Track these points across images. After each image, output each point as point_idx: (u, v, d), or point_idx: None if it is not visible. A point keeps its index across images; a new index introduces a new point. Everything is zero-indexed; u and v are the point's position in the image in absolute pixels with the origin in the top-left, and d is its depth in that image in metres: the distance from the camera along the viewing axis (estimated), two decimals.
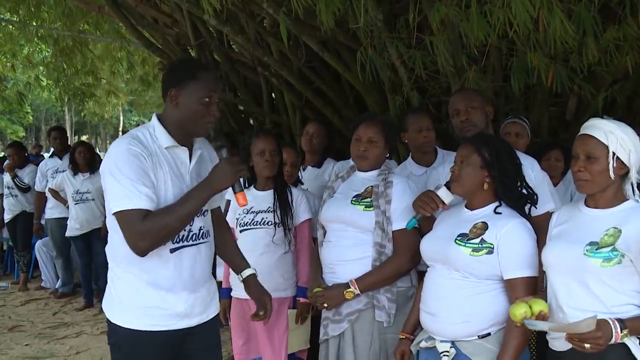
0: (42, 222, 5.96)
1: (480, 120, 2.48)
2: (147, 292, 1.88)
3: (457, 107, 2.50)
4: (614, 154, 1.75)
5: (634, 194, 1.80)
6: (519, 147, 3.01)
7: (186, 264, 1.93)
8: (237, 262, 2.23)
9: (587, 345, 1.62)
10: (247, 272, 2.17)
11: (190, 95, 1.87)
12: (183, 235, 1.91)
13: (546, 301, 1.80)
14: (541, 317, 1.73)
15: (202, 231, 1.98)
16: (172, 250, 1.89)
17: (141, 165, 1.82)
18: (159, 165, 1.86)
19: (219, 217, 2.23)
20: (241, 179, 1.94)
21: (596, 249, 1.73)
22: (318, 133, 3.71)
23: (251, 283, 2.17)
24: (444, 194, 2.10)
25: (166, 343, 1.92)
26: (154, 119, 1.95)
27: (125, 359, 1.94)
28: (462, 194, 2.07)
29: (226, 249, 2.25)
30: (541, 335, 1.90)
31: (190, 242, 1.94)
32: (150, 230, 1.79)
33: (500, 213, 2.01)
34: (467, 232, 2.00)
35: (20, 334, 4.77)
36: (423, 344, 2.07)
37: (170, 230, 1.84)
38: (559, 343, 1.80)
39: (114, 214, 1.82)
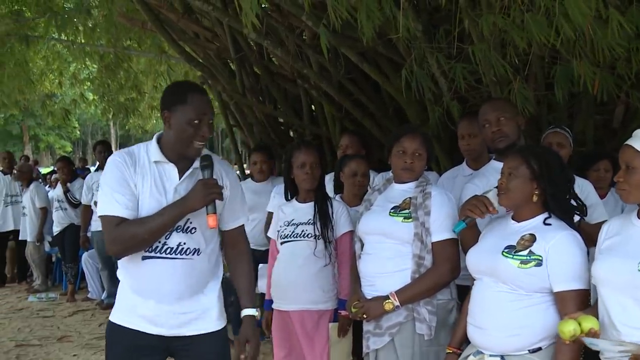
0: (89, 234, 6.12)
1: (513, 131, 2.45)
2: (124, 291, 2.08)
3: (488, 117, 2.48)
4: None
5: None
6: (563, 157, 2.96)
7: (155, 275, 2.01)
8: (242, 295, 2.18)
9: None
10: (247, 312, 2.14)
11: (180, 118, 1.96)
12: (156, 247, 1.99)
13: (597, 317, 1.76)
14: (591, 334, 1.68)
15: (181, 247, 2.01)
16: (144, 258, 2.00)
17: (121, 175, 1.97)
18: (142, 177, 1.98)
19: (234, 239, 2.23)
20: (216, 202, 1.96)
21: None
22: (352, 145, 3.72)
23: (246, 324, 2.13)
24: (494, 198, 2.06)
25: (140, 344, 2.03)
26: (155, 136, 2.08)
27: (106, 348, 2.13)
28: (510, 206, 2.04)
29: (235, 275, 2.22)
30: (591, 351, 1.85)
31: (163, 255, 2.00)
32: (120, 237, 1.95)
33: (549, 224, 1.98)
34: (515, 244, 1.97)
35: (68, 344, 4.90)
36: (471, 359, 2.05)
37: (139, 241, 1.96)
38: (611, 358, 1.74)
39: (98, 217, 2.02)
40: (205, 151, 2.07)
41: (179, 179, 2.01)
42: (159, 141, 2.05)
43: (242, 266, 2.22)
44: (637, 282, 1.68)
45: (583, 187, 2.59)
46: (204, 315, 2.08)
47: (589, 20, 2.46)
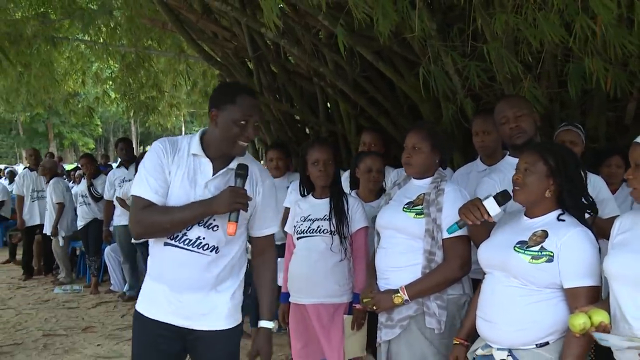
0: (111, 228, 6.20)
1: (530, 127, 2.44)
2: (147, 278, 2.15)
3: (506, 114, 2.47)
4: None
5: None
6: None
7: (171, 262, 2.05)
8: (262, 306, 2.19)
9: None
10: (263, 324, 2.15)
11: (227, 117, 2.00)
12: (177, 236, 2.03)
13: (608, 311, 1.75)
14: (602, 328, 1.68)
15: (199, 241, 2.03)
16: (165, 244, 2.04)
17: (158, 161, 2.03)
18: (177, 166, 2.02)
19: (262, 247, 2.23)
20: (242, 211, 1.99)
21: None
22: (375, 142, 3.72)
23: (260, 335, 2.15)
24: (490, 206, 2.05)
25: (159, 333, 2.07)
26: (200, 131, 2.13)
27: (132, 334, 2.20)
28: (525, 202, 2.03)
29: (258, 284, 2.24)
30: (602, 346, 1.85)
31: (182, 245, 2.03)
32: (144, 220, 2.01)
33: (563, 220, 1.97)
34: (527, 239, 1.97)
35: (92, 334, 4.98)
36: (479, 352, 2.06)
37: (160, 229, 2.02)
38: (625, 356, 1.74)
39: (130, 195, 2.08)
40: (247, 159, 2.10)
41: (212, 175, 2.04)
42: (202, 136, 2.09)
43: (266, 276, 2.22)
44: None
45: (595, 183, 2.59)
46: (212, 312, 2.08)
47: (612, 17, 2.45)
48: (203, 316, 2.07)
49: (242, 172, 2.00)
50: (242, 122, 1.99)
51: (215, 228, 2.05)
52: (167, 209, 2.01)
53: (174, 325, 2.07)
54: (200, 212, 1.99)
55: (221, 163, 2.06)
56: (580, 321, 1.67)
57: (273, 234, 2.23)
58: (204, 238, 2.04)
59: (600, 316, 1.68)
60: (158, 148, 2.05)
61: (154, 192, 2.00)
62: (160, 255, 2.08)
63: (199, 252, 2.04)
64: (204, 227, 2.04)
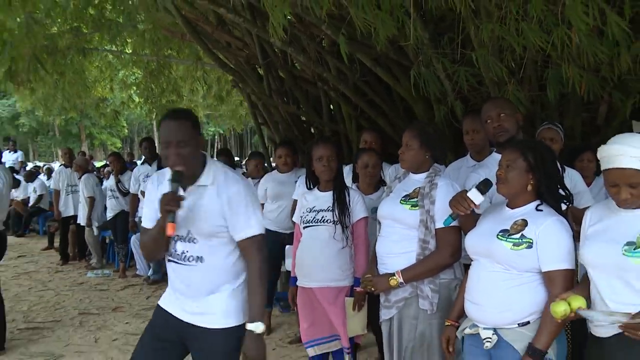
0: (136, 219, 6.21)
1: (512, 126, 2.44)
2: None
3: (490, 114, 2.47)
4: None
5: None
6: (555, 150, 2.94)
7: (172, 273, 2.13)
8: (250, 308, 2.03)
9: None
10: (249, 327, 1.98)
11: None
12: (170, 252, 2.09)
13: (584, 295, 1.75)
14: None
15: (184, 254, 2.04)
16: (168, 260, 2.12)
17: (149, 193, 2.13)
18: (160, 192, 1.96)
19: (244, 250, 2.06)
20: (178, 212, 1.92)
21: (634, 249, 1.67)
22: (374, 140, 3.72)
23: (247, 337, 1.98)
24: (474, 196, 2.06)
25: (158, 318, 2.15)
26: None
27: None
28: (507, 194, 2.03)
29: (247, 287, 2.07)
30: (577, 321, 1.86)
31: (174, 259, 2.09)
32: (141, 244, 2.18)
33: (541, 210, 1.97)
34: (508, 228, 1.97)
35: (121, 313, 5.00)
36: (467, 331, 2.06)
37: (146, 247, 2.14)
38: (601, 330, 1.75)
39: None
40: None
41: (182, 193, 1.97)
42: None
43: (251, 279, 2.05)
44: (622, 264, 1.68)
45: (572, 177, 2.61)
46: (209, 312, 2.05)
47: (586, 26, 2.45)
48: (200, 315, 2.05)
49: (174, 177, 1.94)
50: (164, 148, 1.96)
51: (195, 241, 2.04)
52: (145, 230, 2.11)
53: (174, 316, 2.10)
54: (158, 224, 1.98)
55: (190, 182, 2.02)
56: (561, 308, 1.69)
57: (253, 237, 2.04)
58: (187, 251, 2.05)
59: (578, 302, 1.70)
60: (150, 182, 2.16)
61: (148, 219, 2.10)
62: (167, 268, 2.16)
63: (185, 264, 2.06)
64: (186, 242, 2.05)
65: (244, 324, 2.02)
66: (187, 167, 1.96)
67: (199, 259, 2.04)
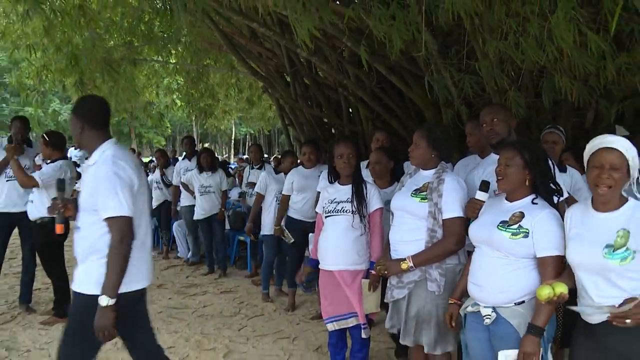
0: (178, 208, 6.30)
1: (503, 130, 2.45)
2: None
3: (485, 119, 2.49)
4: (627, 166, 1.69)
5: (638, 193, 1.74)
6: (556, 152, 2.96)
7: None
8: (104, 280, 1.98)
9: (628, 321, 1.59)
10: (99, 298, 1.94)
11: None
12: None
13: (567, 282, 1.77)
14: (562, 297, 1.73)
15: (76, 224, 2.13)
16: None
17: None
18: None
19: (108, 228, 1.99)
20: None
21: (613, 251, 1.67)
22: (386, 140, 3.73)
23: (97, 309, 1.94)
24: (480, 196, 2.18)
25: None
26: None
27: None
28: (507, 189, 2.04)
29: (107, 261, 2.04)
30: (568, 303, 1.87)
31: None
32: None
33: (536, 204, 1.98)
34: (507, 219, 1.98)
35: (164, 290, 5.10)
36: (469, 309, 2.08)
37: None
38: (591, 317, 1.75)
39: None
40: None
41: None
42: None
43: (109, 257, 1.96)
44: (603, 266, 1.68)
45: (573, 175, 2.68)
46: (76, 277, 2.07)
47: (569, 43, 2.47)
48: (74, 278, 2.09)
49: (58, 186, 2.27)
50: None
51: (80, 212, 2.10)
52: None
53: None
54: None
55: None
56: (545, 292, 1.73)
57: (111, 219, 1.96)
58: (77, 221, 2.11)
59: (560, 288, 1.73)
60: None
61: None
62: None
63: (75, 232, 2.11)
64: (79, 212, 2.12)
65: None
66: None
67: (78, 228, 2.08)
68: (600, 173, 1.71)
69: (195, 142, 7.06)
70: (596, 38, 2.50)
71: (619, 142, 1.72)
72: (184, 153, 6.59)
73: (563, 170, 2.78)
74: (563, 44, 2.45)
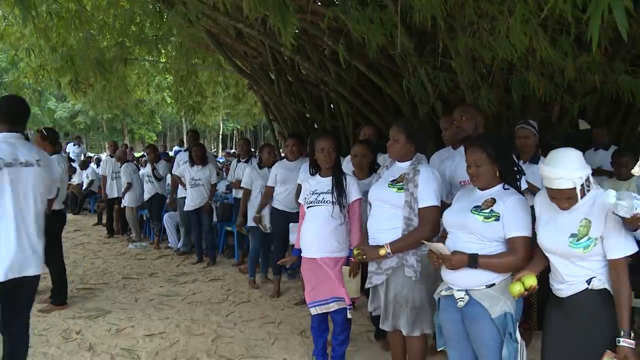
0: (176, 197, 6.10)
1: (469, 127, 2.63)
2: None
3: (455, 117, 2.68)
4: (581, 185, 1.69)
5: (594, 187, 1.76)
6: (529, 146, 3.02)
7: None
8: None
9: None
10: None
11: None
12: None
13: (543, 263, 1.80)
14: (532, 288, 1.77)
15: None
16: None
17: None
18: None
19: None
20: None
21: (577, 240, 1.71)
22: (373, 134, 3.70)
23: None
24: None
25: None
26: None
27: None
28: (483, 186, 2.02)
29: None
30: (544, 284, 1.87)
31: None
32: None
33: (507, 189, 1.99)
34: (480, 204, 1.98)
35: (156, 278, 5.03)
36: (443, 293, 2.07)
37: None
38: (562, 291, 1.79)
39: None
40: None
41: None
42: None
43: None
44: (569, 252, 1.73)
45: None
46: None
47: (525, 44, 2.51)
48: None
49: None
50: None
51: None
52: None
53: None
54: None
55: None
56: (517, 288, 1.78)
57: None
58: None
59: (530, 280, 1.78)
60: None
61: None
62: None
63: None
64: None
65: None
66: None
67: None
68: (558, 201, 1.75)
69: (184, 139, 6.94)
70: (546, 44, 2.55)
71: (565, 178, 1.68)
72: (186, 145, 6.44)
73: (535, 162, 2.86)
74: (520, 43, 2.45)
